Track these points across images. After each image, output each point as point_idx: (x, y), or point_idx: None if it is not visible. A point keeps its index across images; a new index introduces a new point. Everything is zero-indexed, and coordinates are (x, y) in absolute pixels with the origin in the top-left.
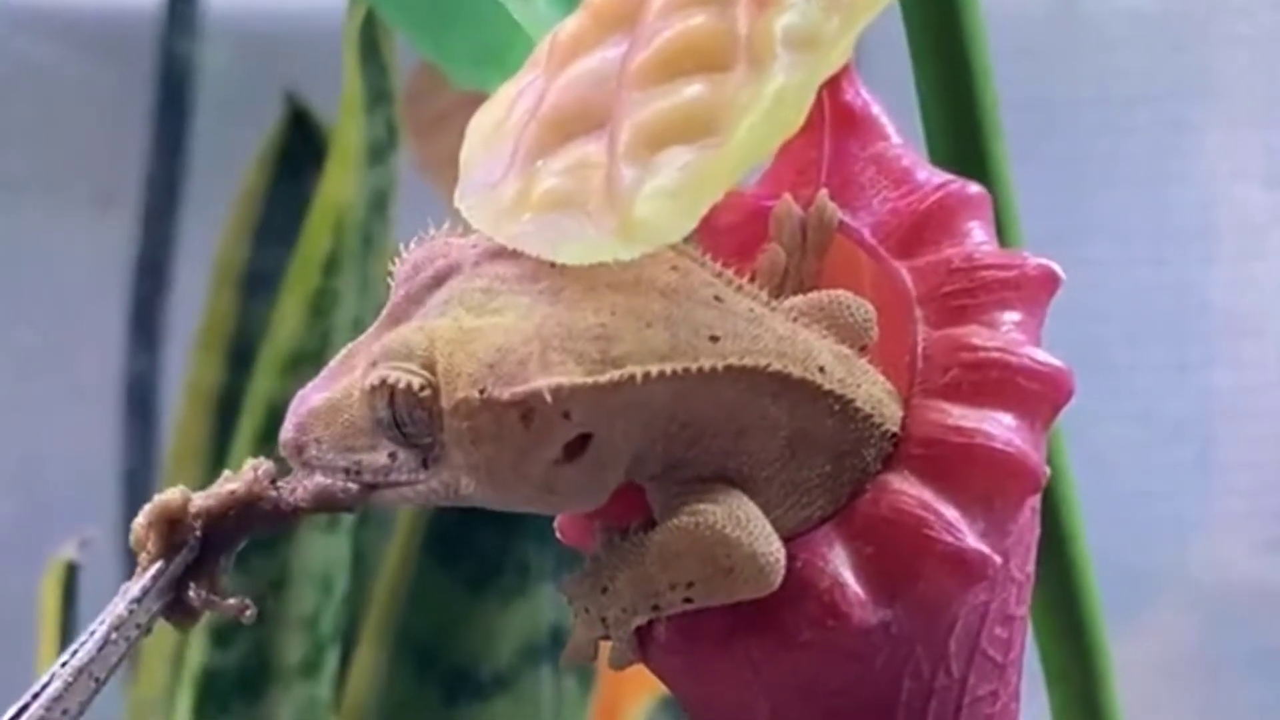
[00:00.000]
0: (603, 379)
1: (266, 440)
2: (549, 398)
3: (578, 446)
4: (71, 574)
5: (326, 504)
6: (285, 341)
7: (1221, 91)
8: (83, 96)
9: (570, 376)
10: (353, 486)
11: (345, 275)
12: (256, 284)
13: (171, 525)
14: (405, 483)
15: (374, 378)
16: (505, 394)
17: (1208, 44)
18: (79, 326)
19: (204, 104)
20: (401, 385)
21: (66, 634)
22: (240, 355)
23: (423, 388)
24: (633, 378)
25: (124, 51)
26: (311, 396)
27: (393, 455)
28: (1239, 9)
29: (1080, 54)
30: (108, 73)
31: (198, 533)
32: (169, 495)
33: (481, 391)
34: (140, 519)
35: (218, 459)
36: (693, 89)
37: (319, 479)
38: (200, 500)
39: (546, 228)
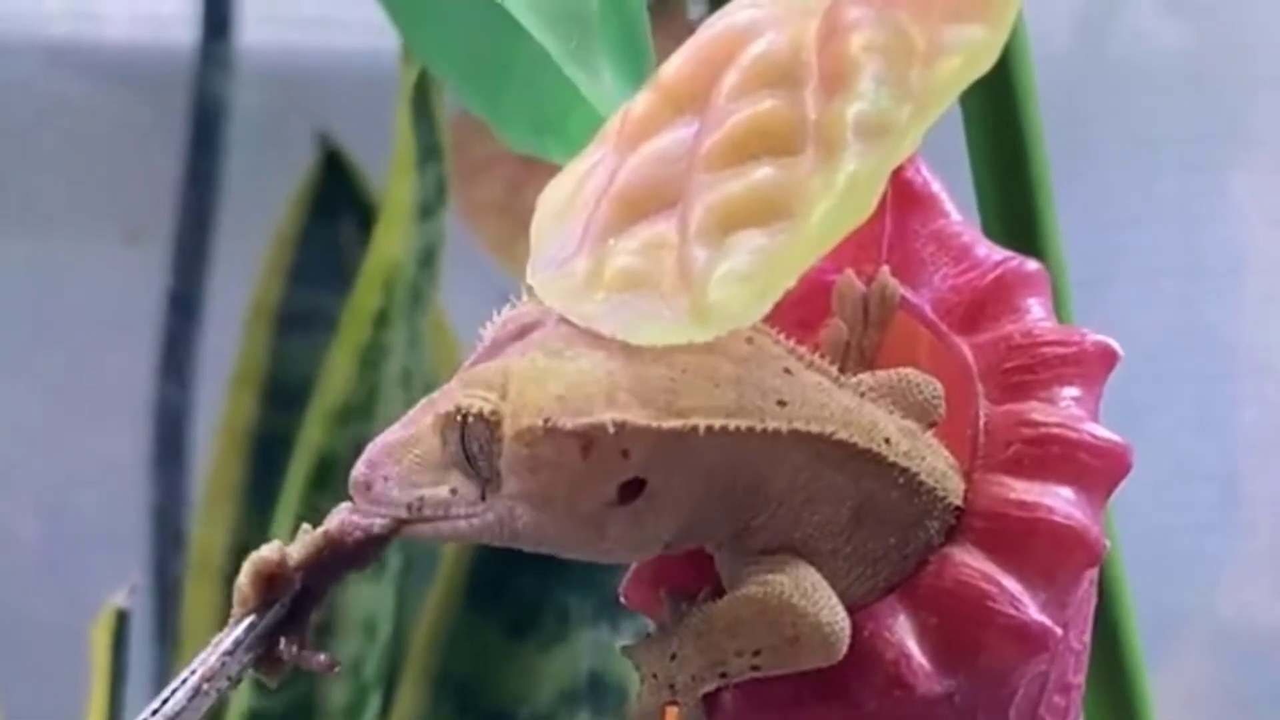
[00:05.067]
0: (666, 425)
1: (315, 490)
2: (611, 429)
3: (633, 491)
4: (122, 621)
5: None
6: (335, 393)
7: (1251, 135)
8: (116, 132)
9: (634, 416)
10: (377, 525)
11: (395, 329)
12: (289, 325)
13: (270, 580)
14: (463, 516)
15: (449, 404)
16: (569, 424)
17: (1238, 87)
18: (110, 360)
19: (236, 142)
20: (474, 410)
21: (117, 680)
22: (273, 396)
23: (493, 413)
24: (695, 429)
25: (157, 88)
26: (387, 437)
27: (454, 490)
28: (1270, 53)
29: (1107, 94)
30: (141, 109)
31: (297, 586)
32: (267, 551)
33: (546, 420)
34: (243, 578)
35: (250, 498)
36: (763, 172)
37: (353, 518)
38: (296, 552)
39: (620, 308)
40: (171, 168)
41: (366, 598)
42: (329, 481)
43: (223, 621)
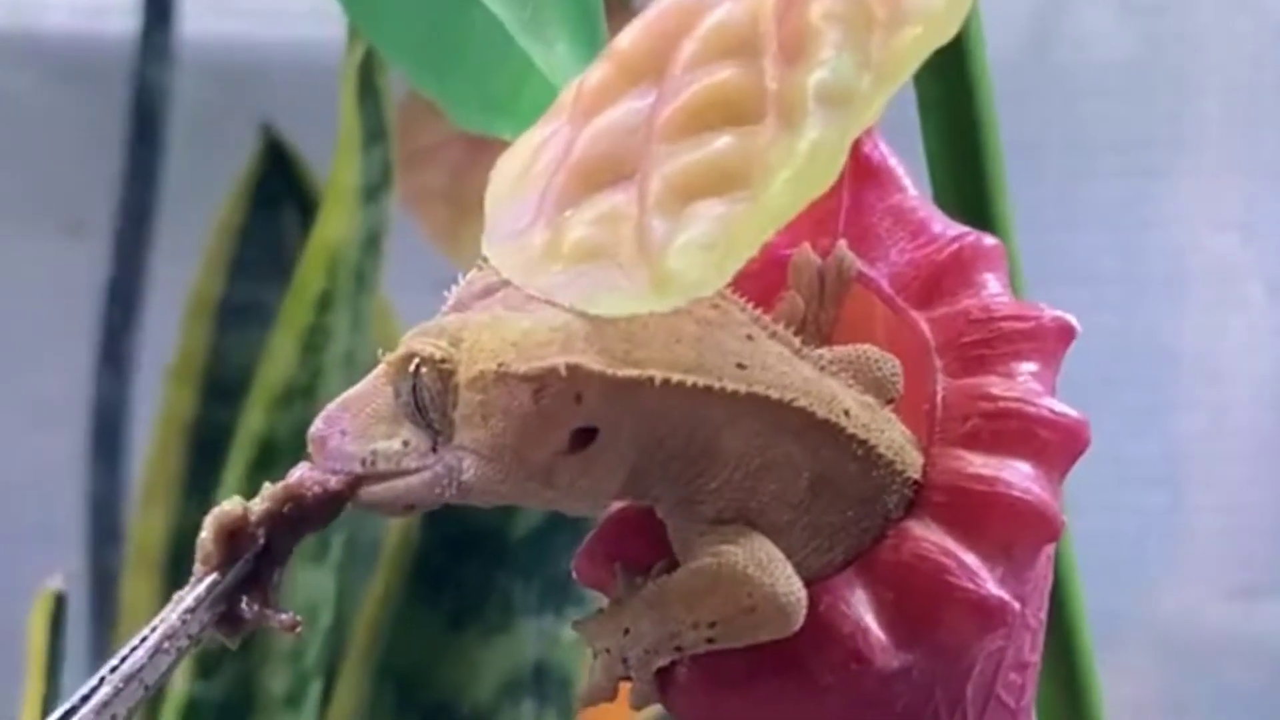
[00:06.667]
0: (620, 373)
1: (257, 475)
2: (564, 372)
3: (583, 440)
4: (60, 605)
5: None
6: (277, 377)
7: (1195, 141)
8: (56, 123)
9: (588, 361)
10: (333, 480)
11: (338, 312)
12: (230, 317)
13: (234, 536)
14: (413, 470)
15: (402, 349)
16: (521, 368)
17: (1182, 91)
18: (48, 352)
19: (177, 133)
20: (425, 353)
21: (53, 664)
22: (213, 388)
23: (443, 360)
24: (651, 380)
25: (98, 79)
26: (346, 393)
27: (406, 442)
28: (1215, 58)
29: (1052, 98)
30: (81, 99)
31: (261, 541)
32: (229, 506)
33: (499, 365)
34: (206, 533)
35: (190, 491)
36: (722, 142)
37: (311, 473)
38: (258, 506)
39: (578, 280)
40: (112, 159)
41: (308, 585)
42: (271, 466)
43: None
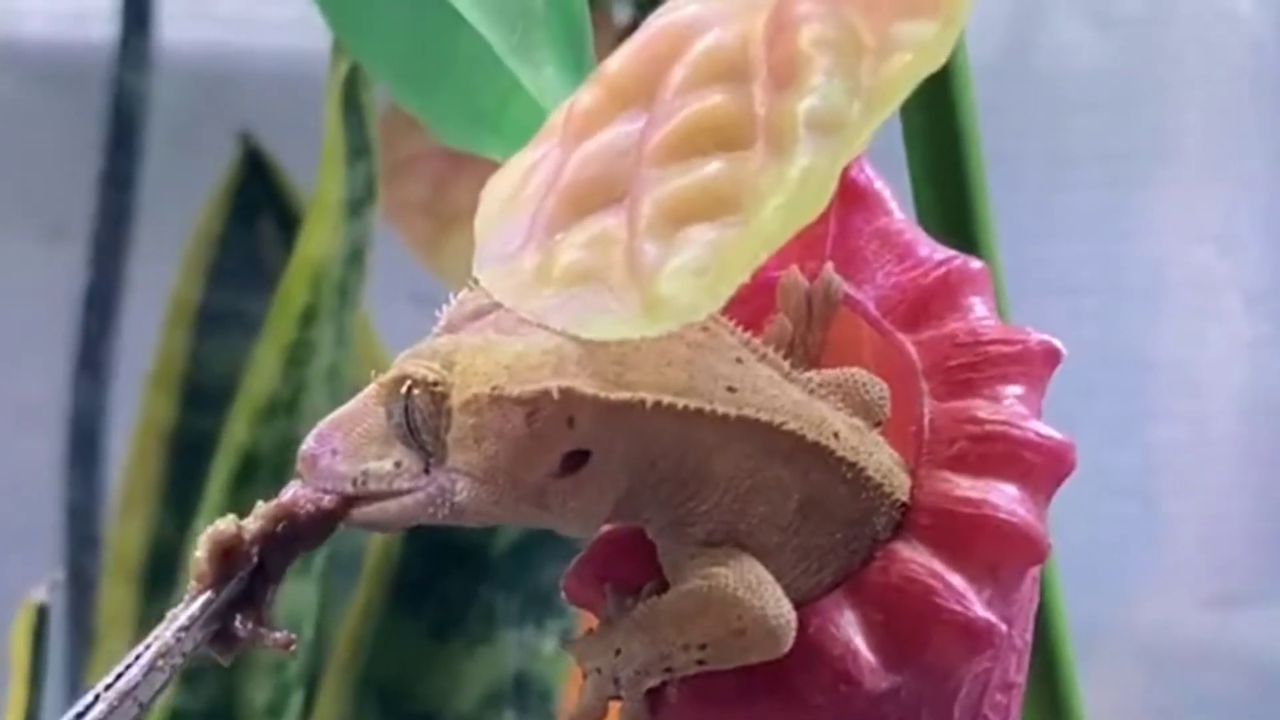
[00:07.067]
0: (612, 396)
1: (240, 488)
2: (556, 396)
3: (575, 463)
4: (43, 617)
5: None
6: (260, 390)
7: (1173, 153)
8: (35, 129)
9: (581, 384)
10: (326, 500)
11: (321, 327)
12: (209, 324)
13: (228, 554)
14: (405, 491)
15: (395, 371)
16: (515, 391)
17: (1160, 102)
18: (26, 358)
19: (155, 139)
20: (418, 376)
21: (36, 676)
22: (191, 395)
23: (436, 382)
24: (643, 403)
25: (77, 85)
26: (337, 412)
27: (398, 463)
28: (1193, 69)
29: (1030, 109)
30: (60, 106)
31: (255, 560)
32: (223, 525)
33: (493, 389)
34: (201, 552)
35: (168, 499)
36: (712, 167)
37: (304, 491)
38: (252, 525)
39: (570, 302)
40: (91, 165)
41: (290, 596)
42: (253, 478)
43: (140, 622)
